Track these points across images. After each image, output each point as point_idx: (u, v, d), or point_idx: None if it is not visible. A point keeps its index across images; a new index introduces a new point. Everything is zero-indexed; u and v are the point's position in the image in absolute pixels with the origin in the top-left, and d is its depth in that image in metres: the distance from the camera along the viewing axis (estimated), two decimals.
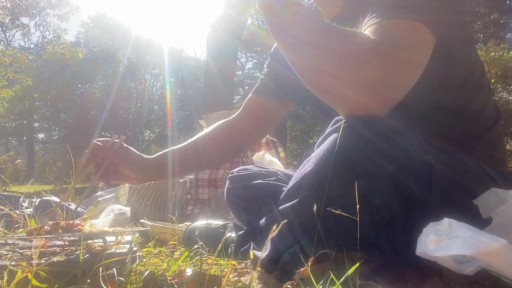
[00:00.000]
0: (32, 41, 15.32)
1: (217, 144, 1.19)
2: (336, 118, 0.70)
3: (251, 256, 0.73)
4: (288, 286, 0.59)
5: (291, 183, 0.73)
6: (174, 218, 1.68)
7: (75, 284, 0.61)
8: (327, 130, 0.70)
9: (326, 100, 0.77)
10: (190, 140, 1.18)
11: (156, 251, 0.97)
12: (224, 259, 0.91)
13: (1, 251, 0.73)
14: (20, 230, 1.23)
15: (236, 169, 1.19)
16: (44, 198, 1.94)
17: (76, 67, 13.94)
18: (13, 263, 0.62)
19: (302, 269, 0.59)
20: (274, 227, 0.46)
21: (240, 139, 1.24)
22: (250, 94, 1.24)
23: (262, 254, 0.68)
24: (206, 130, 1.22)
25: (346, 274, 0.52)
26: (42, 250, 0.72)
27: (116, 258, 0.69)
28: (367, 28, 0.72)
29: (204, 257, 0.87)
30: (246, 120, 1.22)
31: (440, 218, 0.55)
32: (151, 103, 18.23)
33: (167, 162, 1.10)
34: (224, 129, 1.21)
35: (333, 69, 0.70)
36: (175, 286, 0.64)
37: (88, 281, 0.61)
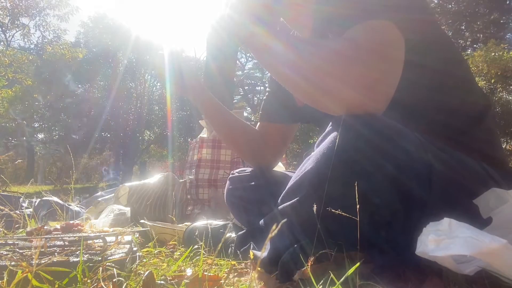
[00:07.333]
0: (32, 41, 15.33)
1: (238, 141, 1.22)
2: (336, 117, 0.71)
3: (251, 256, 0.73)
4: (288, 286, 0.59)
5: (291, 182, 0.73)
6: (174, 218, 1.68)
7: (75, 284, 0.61)
8: (327, 129, 0.70)
9: (325, 100, 0.77)
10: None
11: (156, 251, 0.97)
12: (224, 259, 0.91)
13: (1, 251, 0.73)
14: (20, 230, 1.23)
15: (236, 170, 1.20)
16: (44, 198, 1.94)
17: (76, 67, 13.94)
18: (13, 263, 0.62)
19: (302, 269, 0.59)
20: (274, 226, 0.46)
21: (257, 151, 1.22)
22: (259, 122, 1.24)
23: (262, 254, 0.67)
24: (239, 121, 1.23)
25: (346, 274, 0.52)
26: (42, 250, 0.72)
27: (116, 258, 0.69)
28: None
29: (204, 257, 0.87)
30: (263, 143, 1.21)
31: (440, 218, 0.55)
32: (151, 103, 18.24)
33: (217, 103, 1.16)
34: (246, 136, 1.22)
35: (332, 67, 0.71)
36: (175, 286, 0.64)
37: (88, 281, 0.61)
